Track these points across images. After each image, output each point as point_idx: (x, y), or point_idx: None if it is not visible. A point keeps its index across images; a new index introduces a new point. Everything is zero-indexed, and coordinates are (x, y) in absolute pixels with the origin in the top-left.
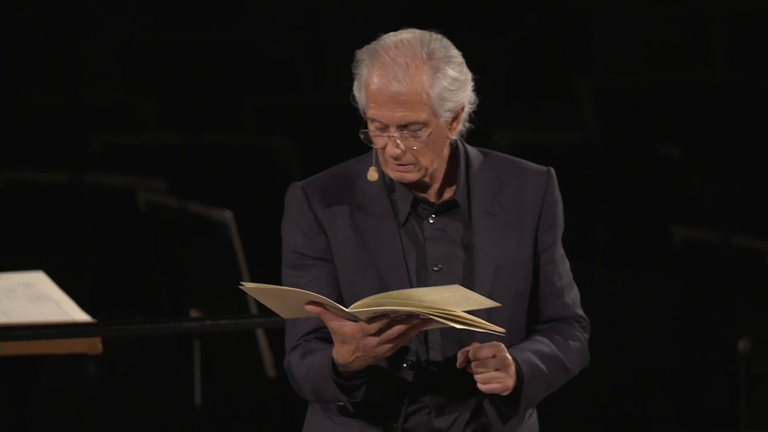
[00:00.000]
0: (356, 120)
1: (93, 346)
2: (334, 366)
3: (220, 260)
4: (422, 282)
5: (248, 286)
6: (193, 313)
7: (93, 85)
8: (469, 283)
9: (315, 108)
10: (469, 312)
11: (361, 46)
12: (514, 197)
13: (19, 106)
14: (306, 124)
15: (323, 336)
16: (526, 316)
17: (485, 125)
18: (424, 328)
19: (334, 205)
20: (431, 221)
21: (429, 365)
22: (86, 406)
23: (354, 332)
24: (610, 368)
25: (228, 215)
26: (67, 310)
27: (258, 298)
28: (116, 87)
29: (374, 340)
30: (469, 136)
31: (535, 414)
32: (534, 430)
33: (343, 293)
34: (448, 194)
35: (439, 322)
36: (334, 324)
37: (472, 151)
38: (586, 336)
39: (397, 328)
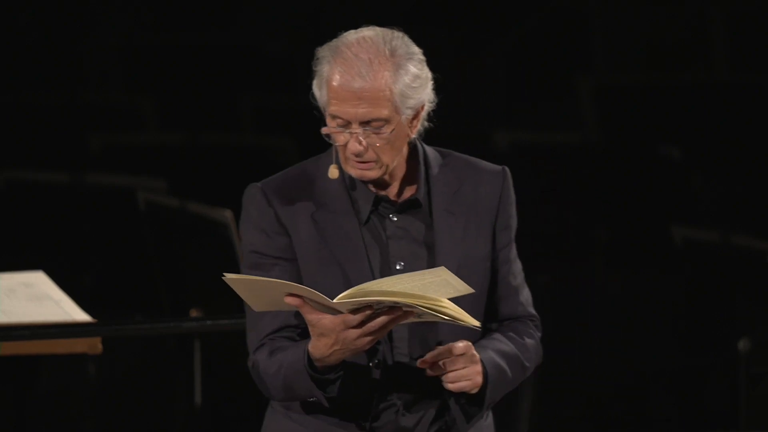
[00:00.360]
0: None
1: (93, 346)
2: (310, 360)
3: (220, 260)
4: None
5: (230, 277)
6: (193, 313)
7: (93, 85)
8: None
9: (315, 108)
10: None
11: None
12: (472, 197)
13: (19, 106)
14: (306, 124)
15: (289, 335)
16: (483, 314)
17: (485, 125)
18: (406, 320)
19: (294, 203)
20: (393, 220)
21: (395, 364)
22: (86, 406)
23: (334, 325)
24: (610, 368)
25: (228, 215)
26: (67, 309)
27: (237, 290)
28: (116, 87)
29: (355, 332)
30: (469, 136)
31: (491, 415)
32: (491, 430)
33: None
34: (408, 193)
35: (424, 312)
36: (313, 317)
37: (430, 150)
38: (539, 334)
39: (380, 320)
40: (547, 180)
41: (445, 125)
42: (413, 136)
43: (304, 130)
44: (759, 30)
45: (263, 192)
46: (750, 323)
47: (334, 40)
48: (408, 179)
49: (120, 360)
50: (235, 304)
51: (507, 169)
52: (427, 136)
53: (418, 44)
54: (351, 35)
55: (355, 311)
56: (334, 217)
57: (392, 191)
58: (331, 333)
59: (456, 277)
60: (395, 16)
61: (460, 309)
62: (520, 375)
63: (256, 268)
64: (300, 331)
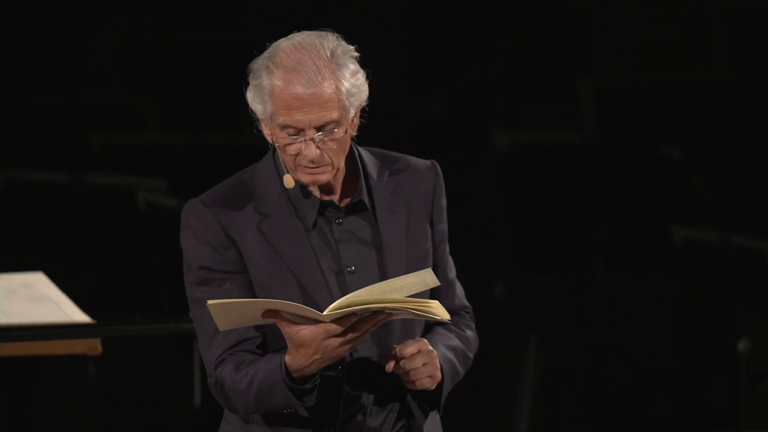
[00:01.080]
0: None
1: (93, 346)
2: (287, 371)
3: None
4: (340, 283)
5: (212, 303)
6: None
7: (93, 85)
8: (382, 278)
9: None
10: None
11: (361, 45)
12: (409, 194)
13: (19, 106)
14: None
15: (248, 348)
16: None
17: (485, 125)
18: (387, 320)
19: (238, 216)
20: (340, 223)
21: (357, 366)
22: (86, 407)
23: (315, 335)
24: (610, 368)
25: None
26: (67, 310)
27: (215, 314)
28: (116, 87)
29: (336, 340)
30: (469, 137)
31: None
32: (438, 425)
33: None
34: (351, 195)
35: (412, 314)
36: (291, 329)
37: (362, 150)
38: (473, 325)
39: (361, 326)
40: (548, 180)
41: (446, 126)
42: (354, 133)
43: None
44: (759, 30)
45: (206, 206)
46: (750, 323)
47: (267, 50)
48: (349, 181)
49: (120, 360)
50: None
51: (436, 163)
52: (428, 138)
53: (418, 44)
54: (284, 43)
55: (339, 320)
56: (280, 225)
57: (336, 194)
58: (312, 343)
59: (431, 274)
60: (395, 15)
61: (442, 306)
62: (466, 367)
63: (206, 284)
64: (259, 342)
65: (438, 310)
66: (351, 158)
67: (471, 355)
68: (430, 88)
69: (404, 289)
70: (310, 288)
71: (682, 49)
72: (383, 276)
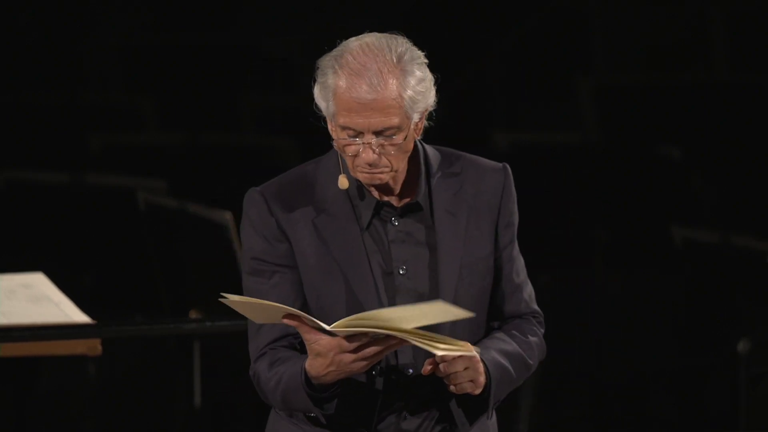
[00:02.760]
0: None
1: (93, 347)
2: (307, 377)
3: (220, 261)
4: (388, 285)
5: (231, 298)
6: (193, 314)
7: (93, 85)
8: (434, 283)
9: (313, 114)
10: (443, 325)
11: None
12: (473, 195)
13: (19, 106)
14: (306, 124)
15: (289, 344)
16: (486, 313)
17: (485, 125)
18: (400, 346)
19: (295, 209)
20: (395, 224)
21: (398, 370)
22: (86, 407)
23: (331, 347)
24: (610, 368)
25: (228, 216)
26: (67, 311)
27: (237, 309)
28: (116, 87)
29: (350, 356)
30: (469, 137)
31: (494, 414)
32: (495, 429)
33: (308, 299)
34: (410, 196)
35: (417, 344)
36: (310, 336)
37: (429, 149)
38: (542, 330)
39: (374, 348)
40: (548, 180)
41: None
42: (419, 137)
43: (305, 130)
44: (759, 30)
45: (263, 197)
46: (750, 323)
47: (336, 49)
48: (409, 181)
49: (120, 361)
50: None
51: (507, 166)
52: (427, 138)
53: (418, 44)
54: (353, 43)
55: (351, 337)
56: (335, 222)
57: (394, 195)
58: (328, 354)
59: (452, 306)
60: (395, 15)
61: (453, 341)
62: (523, 373)
63: (257, 275)
64: (301, 339)
65: (440, 345)
66: (414, 158)
67: (531, 362)
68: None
69: (422, 316)
70: (357, 288)
71: (682, 49)
72: (434, 278)
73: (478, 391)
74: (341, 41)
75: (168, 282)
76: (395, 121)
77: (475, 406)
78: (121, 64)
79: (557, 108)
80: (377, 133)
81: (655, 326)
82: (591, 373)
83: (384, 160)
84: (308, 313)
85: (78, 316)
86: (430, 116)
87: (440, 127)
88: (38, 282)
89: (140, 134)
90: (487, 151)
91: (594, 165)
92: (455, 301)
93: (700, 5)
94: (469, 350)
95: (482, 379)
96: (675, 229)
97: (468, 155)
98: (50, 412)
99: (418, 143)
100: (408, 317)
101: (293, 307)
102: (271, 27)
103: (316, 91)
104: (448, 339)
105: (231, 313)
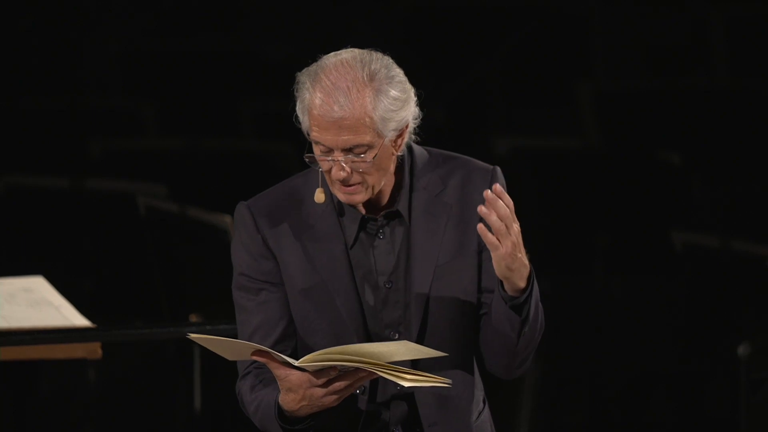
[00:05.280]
0: None
1: (93, 351)
2: (280, 410)
3: (220, 266)
4: (376, 300)
5: (198, 337)
6: (193, 319)
7: (93, 90)
8: (408, 284)
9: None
10: (413, 361)
11: None
12: (458, 196)
13: (19, 111)
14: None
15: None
16: (475, 313)
17: (485, 130)
18: (370, 379)
19: (282, 226)
20: (381, 237)
21: (382, 390)
22: (86, 411)
23: (301, 382)
24: (610, 373)
25: (228, 221)
26: (67, 315)
27: (205, 346)
28: (116, 92)
29: (320, 391)
30: (470, 142)
31: (487, 410)
32: (486, 425)
33: (294, 318)
34: (392, 205)
35: (384, 376)
36: (280, 372)
37: (419, 152)
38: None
39: (343, 382)
40: (548, 185)
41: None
42: (399, 153)
43: (305, 136)
44: (759, 35)
45: (251, 213)
46: (750, 328)
47: (313, 64)
48: (395, 192)
49: (120, 365)
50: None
51: (498, 168)
52: (428, 143)
53: (418, 49)
54: (329, 59)
55: (320, 371)
56: (321, 243)
57: (378, 208)
58: (299, 389)
59: (420, 346)
60: (394, 21)
61: (422, 375)
62: (537, 325)
63: (244, 290)
64: (290, 352)
65: (407, 376)
66: (399, 168)
67: (539, 326)
68: (430, 94)
69: (390, 355)
70: (342, 307)
71: (682, 54)
72: (409, 285)
73: (526, 272)
74: (339, 48)
75: (168, 286)
76: (365, 139)
77: (458, 426)
78: (122, 69)
79: (557, 113)
80: (346, 151)
81: (655, 331)
82: (591, 378)
83: (356, 177)
84: (294, 332)
85: (78, 320)
86: (416, 132)
87: (440, 131)
88: (38, 286)
89: (140, 139)
90: (487, 156)
91: (594, 170)
92: (428, 302)
93: (701, 10)
94: (443, 381)
95: (527, 261)
96: (675, 234)
97: (462, 157)
98: (50, 415)
99: (408, 148)
100: (375, 353)
101: (279, 325)
102: (272, 33)
103: (297, 105)
104: (416, 371)
105: (231, 317)
